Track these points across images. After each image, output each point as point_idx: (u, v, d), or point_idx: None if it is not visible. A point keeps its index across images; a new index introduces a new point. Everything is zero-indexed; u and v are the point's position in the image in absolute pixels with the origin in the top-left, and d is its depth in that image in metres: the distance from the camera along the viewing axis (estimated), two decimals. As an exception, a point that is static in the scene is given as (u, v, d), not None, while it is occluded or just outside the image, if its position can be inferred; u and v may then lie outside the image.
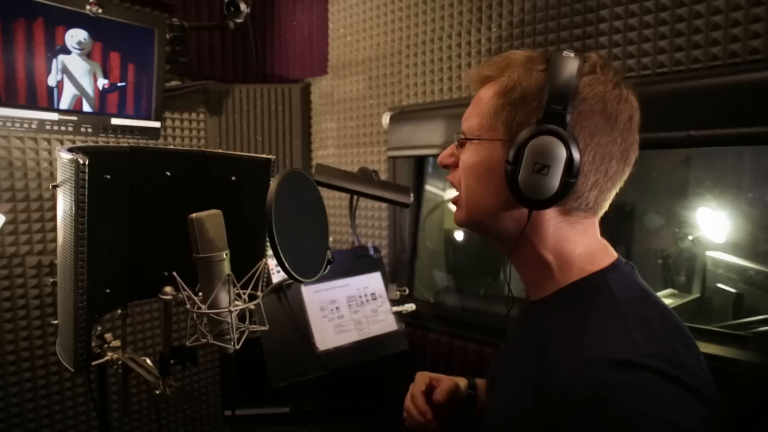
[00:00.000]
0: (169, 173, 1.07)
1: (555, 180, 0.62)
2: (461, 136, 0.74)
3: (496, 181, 0.67)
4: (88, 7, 1.51)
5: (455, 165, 0.75)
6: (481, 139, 0.70)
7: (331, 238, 2.04)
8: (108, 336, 1.10)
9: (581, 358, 0.56)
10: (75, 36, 1.55)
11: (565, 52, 0.65)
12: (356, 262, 1.58)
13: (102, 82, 1.65)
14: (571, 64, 0.63)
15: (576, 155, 0.62)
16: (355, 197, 1.67)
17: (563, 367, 0.58)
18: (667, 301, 1.50)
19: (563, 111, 0.62)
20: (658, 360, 0.54)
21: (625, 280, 0.66)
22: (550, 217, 0.67)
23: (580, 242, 0.69)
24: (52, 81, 1.55)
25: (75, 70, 1.59)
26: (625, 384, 0.53)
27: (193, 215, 0.81)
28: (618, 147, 0.66)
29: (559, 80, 0.63)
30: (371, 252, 1.61)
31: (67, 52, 1.56)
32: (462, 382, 1.00)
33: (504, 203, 0.68)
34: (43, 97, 1.55)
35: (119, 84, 1.68)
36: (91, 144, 1.67)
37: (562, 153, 0.61)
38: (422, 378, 0.99)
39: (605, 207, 0.70)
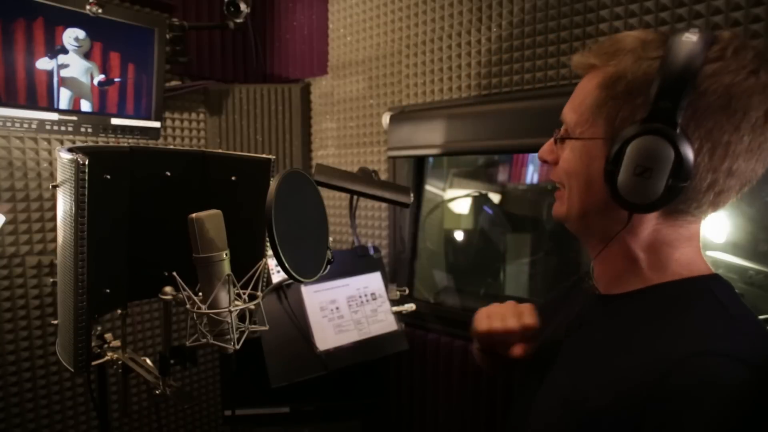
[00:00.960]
0: (169, 173, 1.07)
1: (659, 184, 0.56)
2: (560, 134, 0.69)
3: (596, 180, 0.62)
4: (88, 7, 1.51)
5: (555, 162, 0.71)
6: (581, 138, 0.65)
7: (331, 238, 2.04)
8: (108, 336, 1.10)
9: (687, 350, 0.53)
10: (72, 33, 1.55)
11: (687, 33, 0.56)
12: (356, 262, 1.58)
13: (98, 78, 1.65)
14: (691, 50, 0.54)
15: (688, 157, 0.55)
16: (355, 197, 1.67)
17: (662, 358, 0.54)
18: (668, 301, 1.51)
19: (674, 108, 0.54)
20: None
21: (729, 290, 0.62)
22: (650, 218, 0.63)
23: (679, 247, 0.64)
24: (51, 80, 1.55)
25: (74, 70, 1.59)
26: (741, 381, 0.50)
27: (193, 215, 0.81)
28: (745, 145, 0.57)
29: (672, 71, 0.55)
30: (371, 252, 1.61)
31: (66, 51, 1.56)
32: None
33: (604, 203, 0.63)
34: (43, 97, 1.55)
35: (116, 79, 1.68)
36: (91, 144, 1.67)
37: (669, 155, 0.55)
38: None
39: (723, 207, 0.63)
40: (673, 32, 0.59)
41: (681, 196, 0.58)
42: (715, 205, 0.62)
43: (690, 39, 0.55)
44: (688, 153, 0.55)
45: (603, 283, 0.72)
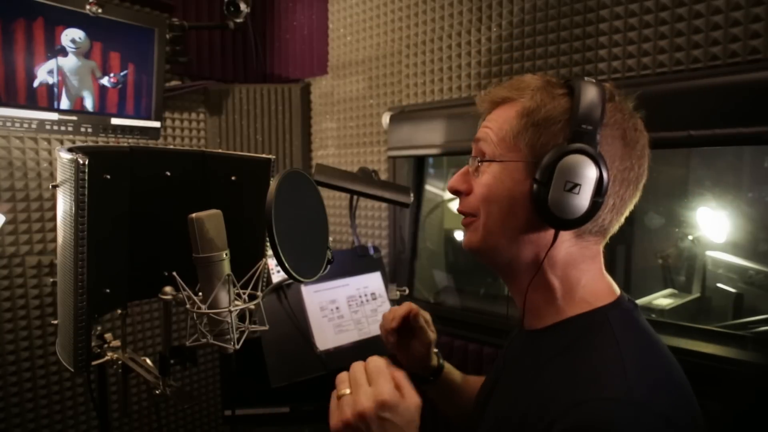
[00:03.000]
0: (169, 173, 1.07)
1: (585, 199, 0.62)
2: (480, 158, 0.71)
3: (519, 203, 0.66)
4: (87, 7, 1.51)
5: (468, 191, 0.73)
6: (504, 160, 0.68)
7: (331, 238, 2.04)
8: (108, 336, 1.10)
9: (574, 398, 0.57)
10: (69, 34, 1.55)
11: (587, 78, 0.66)
12: (356, 262, 1.57)
13: (104, 79, 1.65)
14: (595, 89, 0.64)
15: (605, 175, 0.62)
16: (355, 197, 1.67)
17: (555, 404, 0.58)
18: (667, 301, 1.51)
19: (593, 131, 0.62)
20: (647, 410, 0.54)
21: (626, 320, 0.66)
22: (565, 239, 0.67)
23: (587, 270, 0.69)
24: (51, 80, 1.55)
25: (74, 70, 1.59)
26: (616, 421, 0.53)
27: (193, 215, 0.81)
28: (634, 173, 0.67)
29: (586, 103, 0.63)
30: (371, 252, 1.61)
31: (66, 51, 1.56)
32: (433, 360, 1.00)
33: (525, 226, 0.67)
34: (43, 97, 1.55)
35: (121, 73, 1.68)
36: (91, 144, 1.67)
37: (593, 172, 0.61)
38: (421, 313, 0.99)
39: (614, 231, 0.71)
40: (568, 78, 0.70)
41: (593, 219, 0.64)
42: (612, 226, 0.69)
43: (592, 81, 0.65)
44: (606, 171, 0.62)
45: (526, 318, 0.73)
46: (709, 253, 1.54)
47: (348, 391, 0.67)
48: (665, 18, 1.18)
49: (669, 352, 0.66)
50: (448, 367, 1.03)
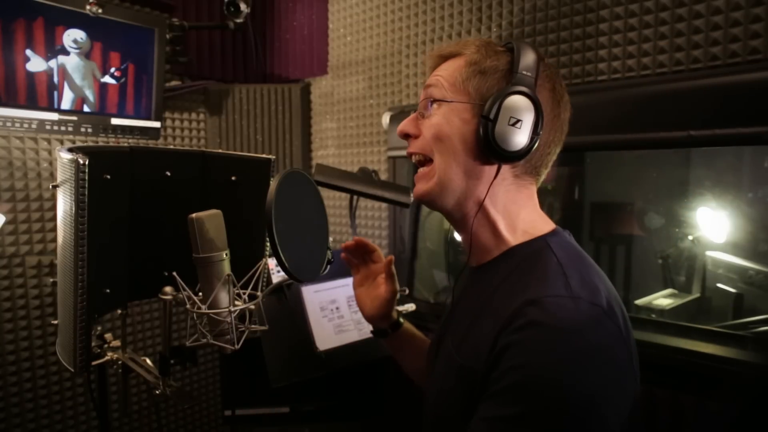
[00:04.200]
0: (169, 173, 1.07)
1: (525, 134, 0.70)
2: (433, 99, 0.77)
3: (466, 142, 0.73)
4: (88, 7, 1.51)
5: (417, 134, 0.79)
6: (455, 101, 0.75)
7: (331, 238, 2.04)
8: (108, 336, 1.10)
9: (522, 300, 0.64)
10: (71, 35, 1.55)
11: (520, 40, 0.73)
12: (356, 262, 1.57)
13: (106, 75, 1.65)
14: (531, 48, 0.74)
15: (541, 114, 0.70)
16: (355, 197, 1.67)
17: (506, 311, 0.64)
18: (668, 301, 1.51)
19: (532, 79, 0.71)
20: (586, 301, 0.63)
21: (564, 243, 0.74)
22: (506, 177, 0.75)
23: (524, 206, 0.77)
24: (50, 77, 1.55)
25: (74, 70, 1.59)
26: (557, 314, 0.61)
27: (193, 215, 0.81)
28: (560, 121, 0.76)
29: (526, 56, 0.72)
30: (371, 252, 1.60)
31: (66, 51, 1.56)
32: (393, 313, 1.07)
33: (473, 163, 0.74)
34: (43, 97, 1.55)
35: (121, 67, 1.68)
36: (91, 144, 1.67)
37: (532, 111, 0.70)
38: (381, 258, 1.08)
39: (543, 176, 0.79)
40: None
41: (530, 154, 0.72)
42: (541, 170, 0.78)
43: (526, 42, 0.75)
44: (541, 112, 0.70)
45: (475, 257, 0.81)
46: (709, 253, 1.54)
47: None
48: (665, 18, 1.18)
49: (602, 273, 0.73)
50: (408, 326, 1.10)
